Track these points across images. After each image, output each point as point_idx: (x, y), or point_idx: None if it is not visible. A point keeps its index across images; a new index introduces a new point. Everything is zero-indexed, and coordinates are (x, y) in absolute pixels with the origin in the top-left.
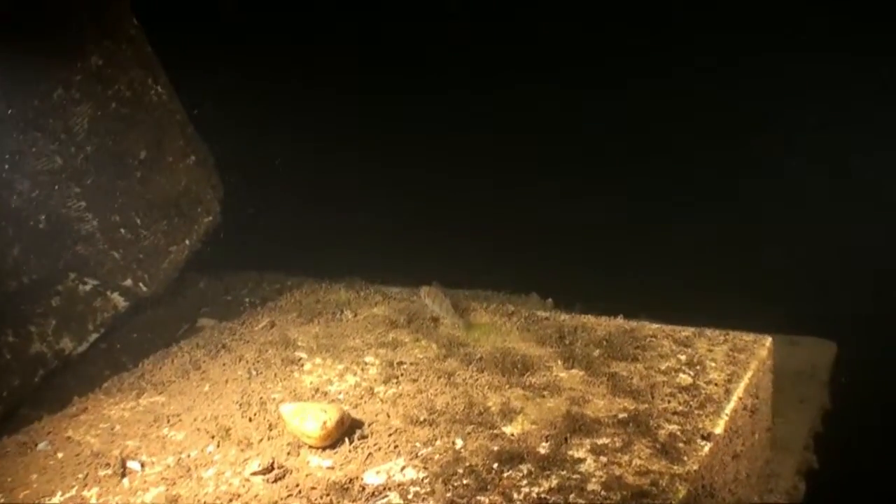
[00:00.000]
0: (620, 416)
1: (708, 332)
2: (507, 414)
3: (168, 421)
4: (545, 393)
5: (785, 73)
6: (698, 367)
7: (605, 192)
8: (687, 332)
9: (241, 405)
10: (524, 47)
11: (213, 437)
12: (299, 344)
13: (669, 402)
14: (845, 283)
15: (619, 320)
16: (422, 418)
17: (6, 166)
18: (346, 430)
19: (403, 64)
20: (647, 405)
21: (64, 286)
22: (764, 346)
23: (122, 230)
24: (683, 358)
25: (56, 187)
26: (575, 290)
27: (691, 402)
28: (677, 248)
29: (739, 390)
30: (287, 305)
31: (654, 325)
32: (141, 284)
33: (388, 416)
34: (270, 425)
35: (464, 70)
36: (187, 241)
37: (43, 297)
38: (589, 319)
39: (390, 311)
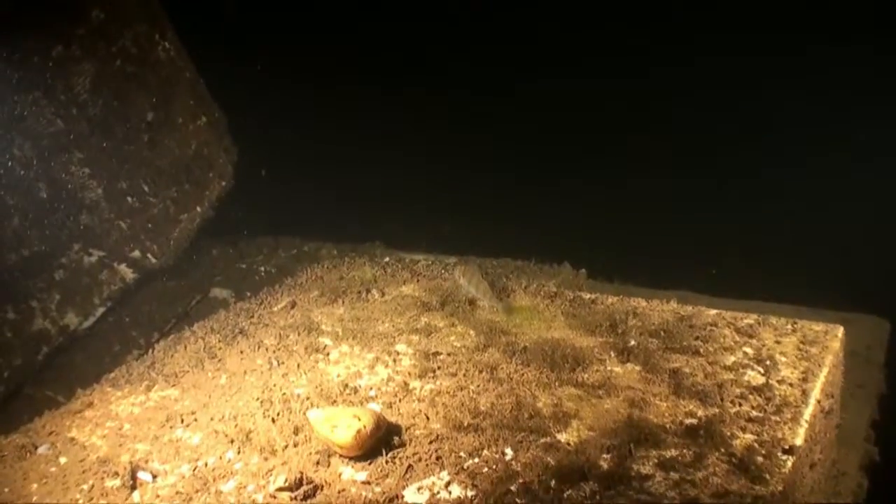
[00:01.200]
0: (688, 422)
1: (773, 319)
2: (561, 418)
3: (182, 420)
4: (600, 392)
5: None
6: (768, 363)
7: (636, 166)
8: (749, 319)
9: (262, 402)
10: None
11: (232, 442)
12: (323, 328)
13: (741, 405)
14: None
15: (674, 304)
16: (465, 422)
17: (2, 131)
18: (381, 437)
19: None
20: (716, 409)
21: (68, 258)
22: (836, 337)
23: (129, 198)
24: (750, 351)
25: (57, 152)
26: (601, 259)
27: (766, 406)
28: (714, 222)
29: (816, 391)
30: (308, 283)
31: (713, 312)
32: (149, 255)
33: (427, 419)
34: (296, 428)
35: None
36: (199, 209)
37: (45, 270)
38: (640, 304)
39: (421, 290)
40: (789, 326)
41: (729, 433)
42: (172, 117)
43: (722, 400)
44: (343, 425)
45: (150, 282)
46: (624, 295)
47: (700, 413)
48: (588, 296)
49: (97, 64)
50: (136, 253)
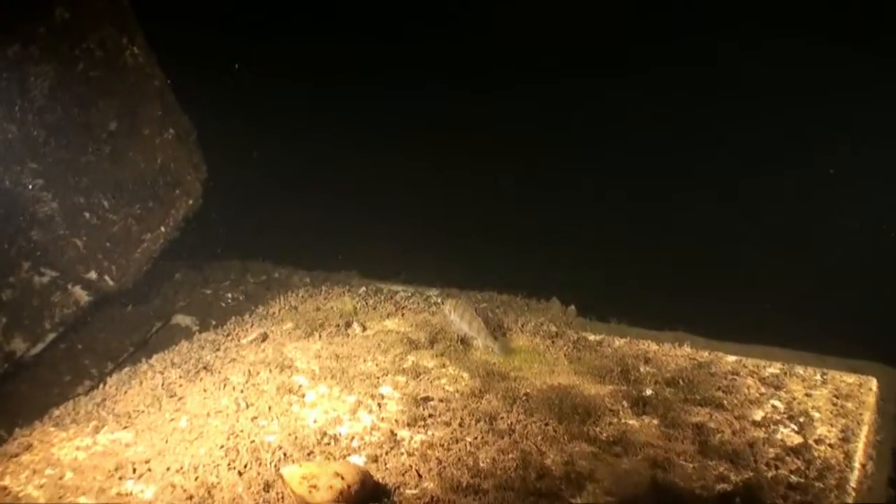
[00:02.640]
0: (719, 487)
1: (799, 369)
2: (574, 479)
3: (134, 470)
4: (617, 449)
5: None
6: (802, 420)
7: (620, 197)
8: (773, 368)
9: (227, 451)
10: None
11: (190, 499)
12: (298, 366)
13: (778, 468)
14: None
15: (687, 349)
16: (464, 482)
17: None
18: (367, 498)
19: (404, 59)
20: (750, 473)
21: (16, 277)
22: (871, 390)
23: (87, 214)
24: (780, 405)
25: (8, 162)
26: (588, 294)
27: (806, 471)
28: (705, 262)
29: (860, 454)
30: (281, 313)
31: (732, 359)
32: (107, 277)
33: (420, 477)
34: (266, 484)
35: (471, 68)
36: (163, 228)
37: None
38: (650, 347)
39: (407, 325)
40: (818, 377)
41: (769, 502)
42: (138, 128)
43: (756, 462)
44: (323, 485)
45: (107, 306)
46: (616, 335)
47: (733, 477)
48: (593, 337)
49: (58, 66)
50: (93, 274)
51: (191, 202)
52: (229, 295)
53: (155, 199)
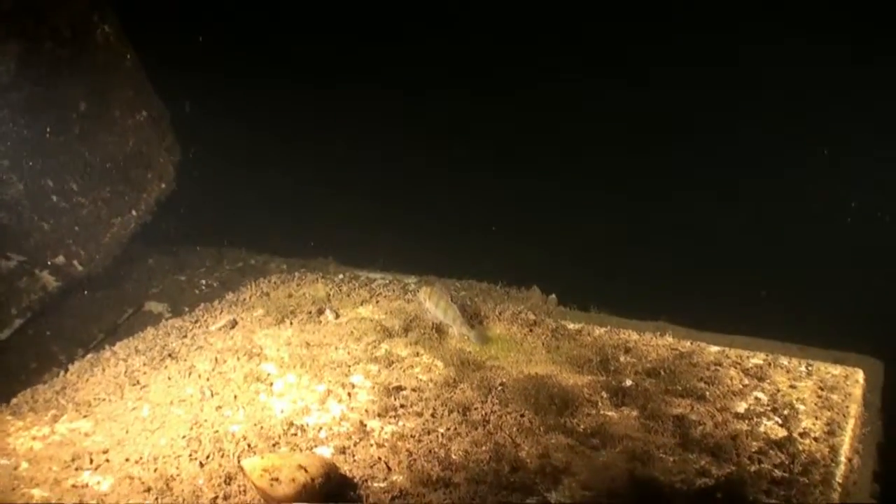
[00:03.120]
0: (700, 482)
1: (784, 360)
2: (549, 472)
3: (91, 461)
4: (594, 441)
5: None
6: (786, 413)
7: (602, 187)
8: (756, 359)
9: (189, 441)
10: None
11: (148, 491)
12: (267, 353)
13: (761, 462)
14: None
15: (669, 339)
16: (434, 475)
17: None
18: (332, 492)
19: (377, 46)
20: (733, 467)
21: None
22: (857, 382)
23: (55, 197)
24: (763, 397)
25: None
26: (567, 283)
27: (791, 466)
28: (688, 250)
29: (846, 447)
30: (252, 299)
31: (715, 349)
32: (76, 262)
33: (389, 469)
34: (228, 477)
35: (453, 55)
36: (134, 212)
37: None
38: (631, 336)
39: (381, 312)
40: (803, 369)
41: (751, 498)
42: (108, 109)
43: (738, 455)
44: (286, 478)
45: (77, 292)
46: (597, 324)
47: (714, 471)
48: (572, 325)
49: (24, 44)
50: (61, 258)
51: (163, 185)
52: (204, 282)
53: (126, 182)
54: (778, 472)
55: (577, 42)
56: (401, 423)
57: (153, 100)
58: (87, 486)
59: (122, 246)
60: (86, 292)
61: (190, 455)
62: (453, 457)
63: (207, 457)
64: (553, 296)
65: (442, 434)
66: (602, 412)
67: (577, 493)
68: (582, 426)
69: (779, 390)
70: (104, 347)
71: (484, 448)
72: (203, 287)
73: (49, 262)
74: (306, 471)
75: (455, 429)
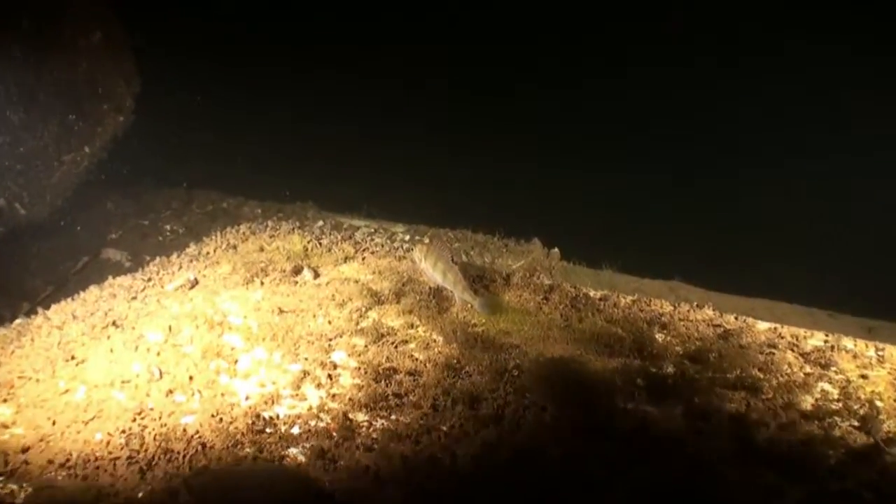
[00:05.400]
0: (771, 502)
1: (847, 342)
2: (588, 490)
3: (6, 463)
4: (636, 448)
5: None
6: (865, 412)
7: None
8: (815, 339)
9: (129, 438)
10: None
11: None
12: (232, 322)
13: (845, 480)
14: None
15: (708, 311)
16: (440, 492)
17: None
18: None
19: None
20: (813, 485)
21: None
22: None
23: None
24: (832, 390)
25: None
26: (570, 235)
27: (880, 484)
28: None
29: None
30: (217, 252)
31: (763, 325)
32: (17, 204)
33: (380, 484)
34: (173, 493)
35: None
36: (87, 149)
37: None
38: (664, 308)
39: (368, 272)
40: (872, 353)
41: None
42: (57, 29)
43: (816, 469)
44: (246, 502)
45: (22, 238)
46: (606, 283)
47: (790, 492)
48: (594, 293)
49: None
50: (1, 202)
51: (121, 119)
52: (168, 227)
53: (77, 113)
54: (868, 496)
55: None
56: (395, 418)
57: (111, 19)
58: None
59: (73, 187)
60: (37, 239)
61: (129, 458)
62: (461, 465)
63: (151, 462)
64: (556, 249)
65: (446, 434)
66: (641, 408)
67: None
68: (620, 426)
69: (849, 381)
70: (35, 311)
71: (501, 455)
72: (168, 233)
73: None
74: (269, 488)
75: (462, 427)
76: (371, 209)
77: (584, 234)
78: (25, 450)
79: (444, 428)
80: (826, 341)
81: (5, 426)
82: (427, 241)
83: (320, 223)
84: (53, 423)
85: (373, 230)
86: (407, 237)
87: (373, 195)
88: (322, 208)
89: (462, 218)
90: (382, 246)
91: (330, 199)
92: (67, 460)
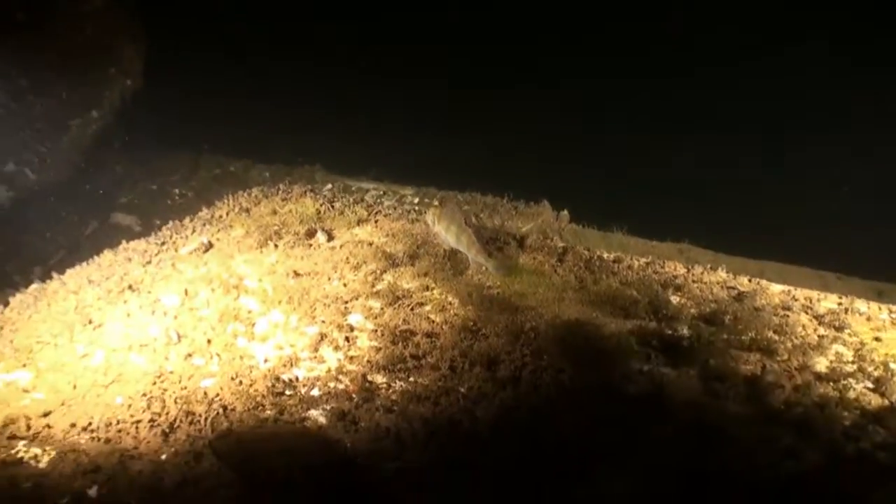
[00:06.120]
0: (789, 465)
1: (860, 304)
2: (599, 455)
3: (28, 427)
4: (651, 409)
5: None
6: (878, 374)
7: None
8: (829, 302)
9: (150, 401)
10: None
11: (97, 471)
12: (248, 285)
13: (859, 441)
14: None
15: (722, 274)
16: (457, 453)
17: None
18: (331, 478)
19: None
20: (828, 448)
21: None
22: None
23: None
24: (846, 352)
25: None
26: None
27: (895, 444)
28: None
29: None
30: (230, 216)
31: (778, 289)
32: (27, 170)
33: (401, 443)
34: (197, 455)
35: None
36: (94, 113)
37: None
38: (678, 270)
39: (382, 235)
40: (885, 316)
41: (854, 492)
42: None
43: (830, 431)
44: (269, 464)
45: (34, 203)
46: (617, 245)
47: (806, 453)
48: (608, 255)
49: None
50: (10, 167)
51: (129, 82)
52: (177, 191)
53: (83, 77)
54: (884, 455)
55: None
56: (413, 379)
57: None
58: (21, 461)
59: (83, 151)
60: (46, 203)
61: (151, 421)
62: (480, 427)
63: (173, 424)
64: (565, 211)
65: (464, 395)
66: (656, 369)
67: (637, 484)
68: (634, 389)
69: (863, 343)
70: (50, 275)
71: (519, 415)
72: (177, 197)
73: None
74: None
75: (480, 388)
76: (378, 172)
77: (594, 196)
78: (47, 414)
79: (463, 390)
80: (840, 304)
81: (26, 391)
82: (438, 203)
83: (329, 186)
84: (74, 387)
85: (381, 192)
86: (416, 200)
87: (379, 158)
88: (329, 171)
89: (471, 180)
90: (394, 209)
91: (337, 162)
92: (89, 424)
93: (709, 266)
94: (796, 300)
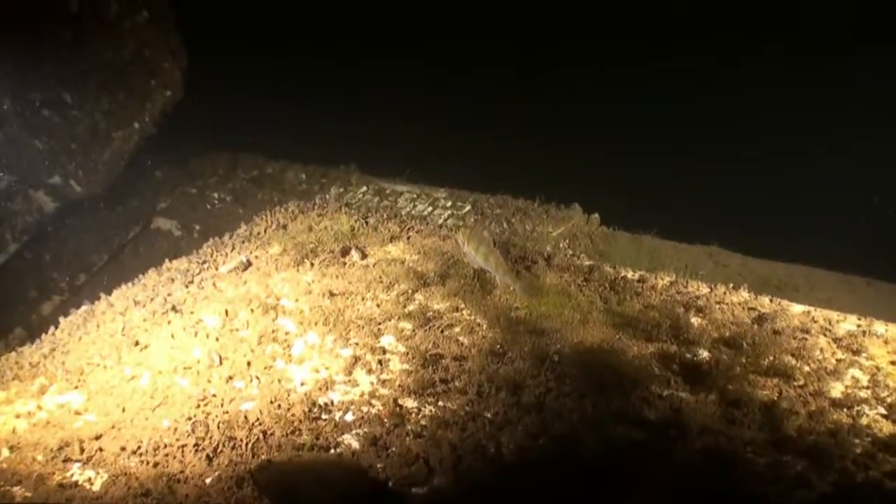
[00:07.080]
0: (801, 495)
1: (878, 327)
2: (623, 478)
3: (81, 450)
4: (670, 435)
5: None
6: (891, 399)
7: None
8: (847, 323)
9: (194, 426)
10: None
11: (147, 495)
12: (285, 305)
13: (869, 469)
14: None
15: (744, 295)
16: (484, 478)
17: None
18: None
19: None
20: (836, 475)
21: None
22: None
23: (46, 111)
24: (862, 376)
25: None
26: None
27: None
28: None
29: None
30: (267, 233)
31: (798, 310)
32: (73, 181)
33: (430, 470)
34: (239, 479)
35: None
36: (136, 124)
37: None
38: (701, 291)
39: (413, 252)
40: None
41: None
42: (105, 8)
43: (841, 459)
44: (307, 495)
45: (78, 211)
46: (646, 249)
47: (815, 481)
48: (632, 275)
49: None
50: (57, 178)
51: (169, 94)
52: (216, 194)
53: (127, 91)
54: (890, 484)
55: None
56: (441, 404)
57: None
58: (76, 484)
59: (125, 162)
60: (87, 211)
61: (196, 445)
62: (505, 452)
63: (216, 449)
64: (595, 215)
65: (490, 420)
66: (676, 394)
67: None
68: (654, 415)
69: (878, 368)
70: (97, 294)
71: (543, 443)
72: (215, 201)
73: (44, 182)
74: (328, 489)
75: (506, 414)
76: (412, 174)
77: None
78: (98, 437)
79: (489, 415)
80: (859, 325)
81: (78, 413)
82: (468, 224)
83: (363, 189)
84: (123, 410)
85: (415, 195)
86: (449, 203)
87: (414, 160)
88: (363, 172)
89: (503, 183)
90: (426, 220)
91: (372, 163)
92: (139, 447)
93: (731, 286)
94: (815, 322)
